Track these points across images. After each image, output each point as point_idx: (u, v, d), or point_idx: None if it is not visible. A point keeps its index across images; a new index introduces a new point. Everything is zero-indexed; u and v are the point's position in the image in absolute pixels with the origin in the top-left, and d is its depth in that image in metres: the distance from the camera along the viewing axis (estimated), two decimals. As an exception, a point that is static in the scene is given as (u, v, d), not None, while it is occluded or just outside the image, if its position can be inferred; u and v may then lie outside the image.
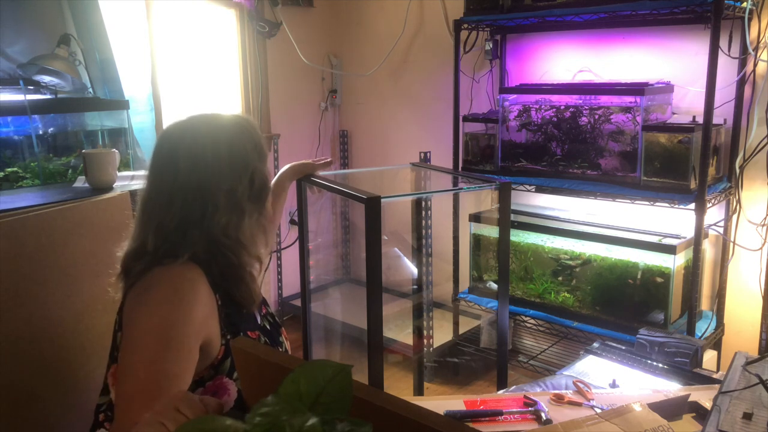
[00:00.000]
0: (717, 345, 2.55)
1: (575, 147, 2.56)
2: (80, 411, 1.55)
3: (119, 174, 1.95)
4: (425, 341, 2.83)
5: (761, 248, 2.44)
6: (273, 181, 1.69)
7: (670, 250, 2.32)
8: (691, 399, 1.32)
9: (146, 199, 1.21)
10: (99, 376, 1.58)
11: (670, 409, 1.27)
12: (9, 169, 2.09)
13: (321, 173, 1.81)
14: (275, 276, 3.60)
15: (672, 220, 2.50)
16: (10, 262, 1.43)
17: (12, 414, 1.44)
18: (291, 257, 3.54)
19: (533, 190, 2.64)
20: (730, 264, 2.52)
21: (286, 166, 1.77)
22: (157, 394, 1.01)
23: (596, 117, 2.49)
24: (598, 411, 1.25)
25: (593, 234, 2.55)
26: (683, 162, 2.27)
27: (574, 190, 2.50)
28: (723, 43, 2.27)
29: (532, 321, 2.72)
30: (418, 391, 2.45)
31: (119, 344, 1.16)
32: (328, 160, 1.84)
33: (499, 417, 1.30)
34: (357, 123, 3.77)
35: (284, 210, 3.44)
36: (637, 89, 2.37)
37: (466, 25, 2.82)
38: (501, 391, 1.56)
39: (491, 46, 2.92)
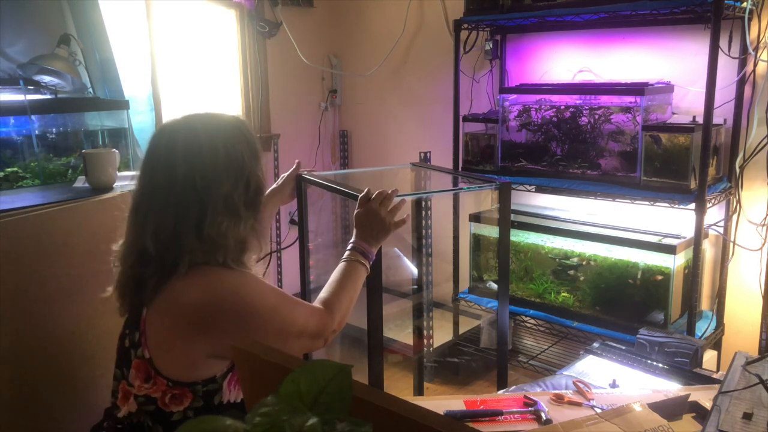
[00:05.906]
0: (717, 345, 2.55)
1: (575, 147, 2.56)
2: (82, 410, 1.55)
3: (119, 174, 1.95)
4: (425, 341, 2.82)
5: (761, 248, 2.44)
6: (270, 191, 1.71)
7: (670, 250, 2.32)
8: (691, 399, 1.32)
9: (140, 198, 1.18)
10: (99, 375, 1.59)
11: (670, 409, 1.27)
12: (9, 169, 2.09)
13: (320, 173, 1.84)
14: (275, 276, 3.60)
15: (672, 220, 2.50)
16: (10, 262, 1.43)
17: (14, 412, 1.44)
18: (291, 257, 3.54)
19: (533, 190, 2.64)
20: (730, 264, 2.52)
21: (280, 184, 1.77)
22: (295, 301, 1.21)
23: (596, 117, 2.49)
24: (598, 411, 1.25)
25: (593, 234, 2.55)
26: (683, 162, 2.27)
27: (574, 190, 2.50)
28: (723, 43, 2.27)
29: (532, 321, 2.72)
30: (418, 391, 2.44)
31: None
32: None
33: (499, 417, 1.30)
34: (357, 123, 3.77)
35: (284, 210, 3.45)
36: (637, 89, 2.37)
37: (466, 25, 2.82)
38: (501, 391, 1.56)
39: (491, 46, 2.92)
